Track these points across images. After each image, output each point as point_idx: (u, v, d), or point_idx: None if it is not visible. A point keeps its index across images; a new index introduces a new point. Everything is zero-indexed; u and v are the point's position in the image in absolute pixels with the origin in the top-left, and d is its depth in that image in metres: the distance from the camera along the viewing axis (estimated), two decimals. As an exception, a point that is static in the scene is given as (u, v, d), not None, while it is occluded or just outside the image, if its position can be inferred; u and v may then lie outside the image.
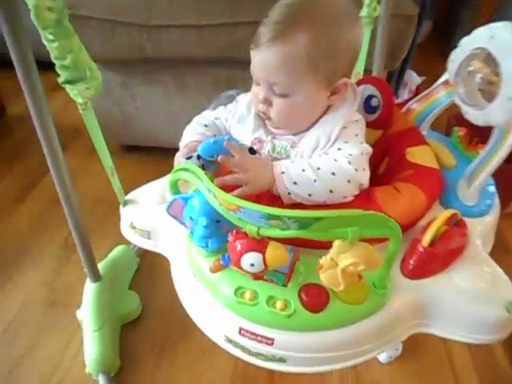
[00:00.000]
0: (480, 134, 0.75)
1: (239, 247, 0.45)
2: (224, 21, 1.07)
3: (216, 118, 0.71)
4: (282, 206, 0.58)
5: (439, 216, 0.56)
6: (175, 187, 0.53)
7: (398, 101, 1.47)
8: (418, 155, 0.67)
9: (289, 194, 0.57)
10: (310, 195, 0.56)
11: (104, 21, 1.13)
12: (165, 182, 0.72)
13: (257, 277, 0.48)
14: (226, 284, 0.52)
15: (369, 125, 0.71)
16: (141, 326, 0.96)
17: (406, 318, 0.55)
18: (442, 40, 2.27)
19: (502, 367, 0.87)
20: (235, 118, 0.69)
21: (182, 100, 1.30)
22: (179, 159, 0.60)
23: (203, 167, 0.57)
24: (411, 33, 1.09)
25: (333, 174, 0.56)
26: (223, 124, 0.71)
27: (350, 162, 0.57)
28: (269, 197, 0.59)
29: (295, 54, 0.56)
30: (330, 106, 0.63)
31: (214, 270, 0.53)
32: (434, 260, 0.54)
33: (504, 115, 0.60)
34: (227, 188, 0.57)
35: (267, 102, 0.61)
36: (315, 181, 0.55)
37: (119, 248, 1.02)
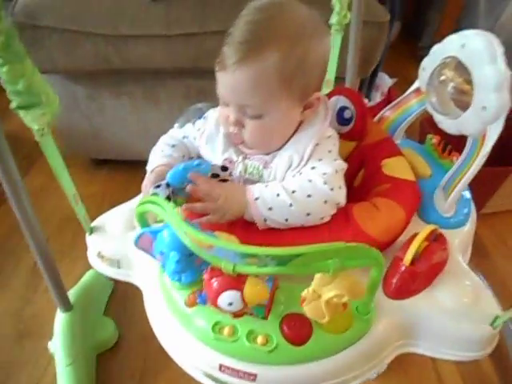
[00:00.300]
0: (453, 142, 0.74)
1: (215, 285, 0.42)
2: (193, 31, 1.03)
3: (184, 137, 0.68)
4: (257, 232, 0.56)
5: (420, 233, 0.55)
6: (143, 219, 0.50)
7: (370, 104, 1.47)
8: (393, 167, 0.66)
9: (264, 220, 0.55)
10: (286, 220, 0.55)
11: (67, 31, 1.07)
12: (133, 205, 0.68)
13: (236, 315, 0.46)
14: (203, 319, 0.50)
15: (342, 136, 0.70)
16: (118, 354, 0.91)
17: (392, 339, 0.53)
18: (411, 41, 2.30)
19: (488, 376, 0.87)
20: (203, 137, 0.66)
21: (153, 112, 1.26)
22: (147, 187, 0.56)
23: (173, 194, 0.54)
24: (383, 39, 1.08)
25: (309, 196, 0.54)
26: (192, 143, 0.68)
27: (325, 182, 0.55)
28: (242, 223, 0.57)
29: (266, 74, 0.53)
30: (302, 121, 0.61)
31: (190, 305, 0.50)
32: (416, 279, 0.53)
33: (477, 125, 0.60)
34: (197, 215, 0.55)
35: (239, 124, 0.58)
36: (291, 205, 0.54)
37: (91, 272, 0.97)
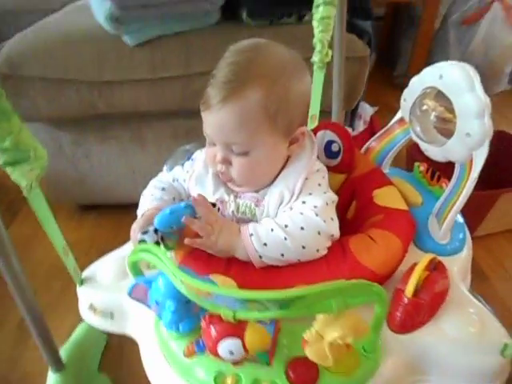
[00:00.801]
0: (440, 168, 0.75)
1: (214, 333, 0.41)
2: (179, 73, 1.05)
3: (174, 180, 0.68)
4: (253, 272, 0.55)
5: (419, 263, 0.54)
6: (136, 269, 0.48)
7: (354, 133, 1.49)
8: (385, 197, 0.67)
9: (260, 257, 0.54)
10: (282, 255, 0.54)
11: (51, 80, 1.08)
12: (124, 252, 0.67)
13: (237, 362, 0.43)
14: (204, 369, 0.47)
15: (332, 169, 0.70)
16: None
17: (402, 377, 0.51)
18: (386, 70, 2.38)
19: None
20: (192, 179, 0.65)
21: (141, 154, 1.26)
22: (135, 232, 0.55)
23: (163, 238, 0.53)
24: (365, 73, 1.11)
25: (302, 228, 0.55)
26: (181, 185, 0.67)
27: (316, 214, 0.55)
28: (237, 264, 0.56)
29: (251, 111, 0.54)
30: (289, 156, 0.62)
31: (189, 355, 0.48)
32: (420, 311, 0.52)
33: (463, 151, 0.61)
34: (191, 259, 0.54)
35: (226, 161, 0.58)
36: (285, 238, 0.54)
37: (83, 325, 0.92)
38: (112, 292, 0.60)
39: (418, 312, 0.52)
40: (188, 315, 0.46)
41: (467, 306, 0.56)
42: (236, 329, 0.40)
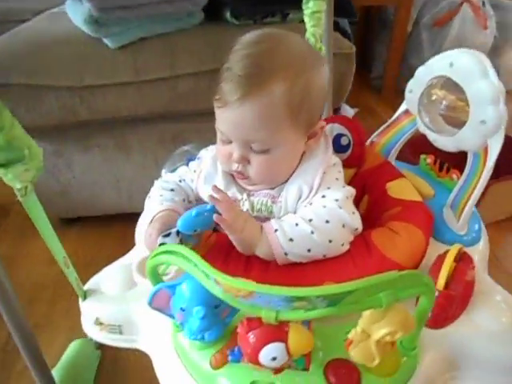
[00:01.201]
0: (447, 159, 0.75)
1: (255, 340, 0.37)
2: (164, 75, 1.01)
3: (180, 180, 0.64)
4: (275, 273, 0.52)
5: (448, 254, 0.52)
6: (155, 275, 0.44)
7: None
8: (399, 190, 0.65)
9: (285, 254, 0.51)
10: (309, 250, 0.51)
11: (29, 87, 1.02)
12: (129, 261, 0.62)
13: (278, 370, 0.40)
14: (236, 380, 0.43)
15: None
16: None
17: (439, 374, 0.49)
18: (363, 72, 2.42)
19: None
20: (201, 178, 0.62)
21: (126, 162, 1.20)
22: (152, 237, 0.51)
23: (182, 241, 0.49)
24: (351, 70, 1.12)
25: (327, 221, 0.52)
26: (189, 186, 0.64)
27: (340, 207, 0.53)
28: (258, 265, 0.53)
29: (274, 107, 0.51)
30: (304, 151, 0.59)
31: (217, 365, 0.44)
32: (453, 303, 0.50)
33: (477, 139, 0.60)
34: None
35: (244, 160, 0.55)
36: (312, 232, 0.51)
37: (75, 343, 0.86)
38: (120, 304, 0.55)
39: (450, 304, 0.50)
40: (216, 323, 0.42)
41: (495, 296, 0.54)
42: (279, 332, 0.37)
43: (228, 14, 1.07)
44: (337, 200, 0.54)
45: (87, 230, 1.37)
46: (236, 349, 0.40)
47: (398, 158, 0.79)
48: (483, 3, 2.12)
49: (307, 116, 0.54)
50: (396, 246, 0.54)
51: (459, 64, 0.60)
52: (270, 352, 0.37)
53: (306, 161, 0.59)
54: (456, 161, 0.73)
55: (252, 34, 0.55)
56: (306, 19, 0.78)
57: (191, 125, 1.13)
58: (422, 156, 0.77)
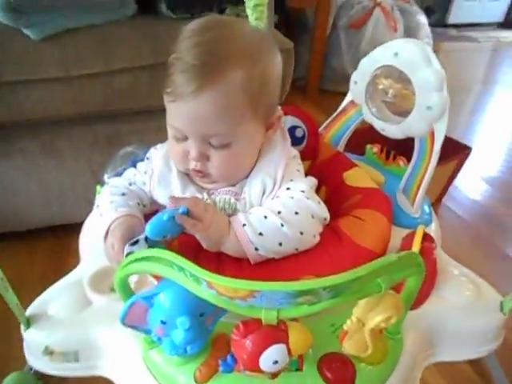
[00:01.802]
0: (392, 146, 0.78)
1: (254, 344, 0.34)
2: (98, 70, 0.92)
3: (130, 184, 0.58)
4: (249, 270, 0.49)
5: (416, 236, 0.53)
6: (126, 288, 0.38)
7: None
8: (356, 178, 0.66)
9: (256, 249, 0.48)
10: (280, 244, 0.49)
11: None
12: (77, 277, 0.54)
13: (274, 375, 0.37)
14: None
15: (297, 156, 0.67)
16: None
17: (419, 353, 0.50)
18: (285, 74, 2.48)
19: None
20: (154, 179, 0.57)
21: (55, 168, 1.07)
22: (116, 247, 0.45)
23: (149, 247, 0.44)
24: (291, 65, 1.12)
25: (296, 213, 0.50)
26: (141, 188, 0.58)
27: (307, 198, 0.52)
28: (230, 262, 0.49)
29: (233, 96, 0.48)
30: (263, 143, 0.57)
31: (204, 380, 0.39)
32: (425, 282, 0.51)
33: (424, 125, 0.62)
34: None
35: (203, 157, 0.51)
36: (282, 225, 0.48)
37: (13, 376, 0.74)
38: (74, 326, 0.48)
39: (423, 284, 0.51)
40: (201, 332, 0.38)
41: (453, 270, 0.57)
42: (278, 333, 0.34)
43: (164, 7, 1.02)
44: (303, 191, 0.53)
45: (14, 247, 1.20)
46: (228, 357, 0.37)
47: (344, 150, 0.80)
48: (392, 8, 2.30)
49: (266, 105, 0.52)
50: (365, 232, 0.54)
51: (404, 53, 0.62)
52: (272, 355, 0.34)
53: (266, 153, 0.56)
54: (398, 148, 0.77)
55: (200, 21, 0.51)
56: (249, 12, 0.76)
57: (129, 125, 1.05)
58: (368, 146, 0.79)
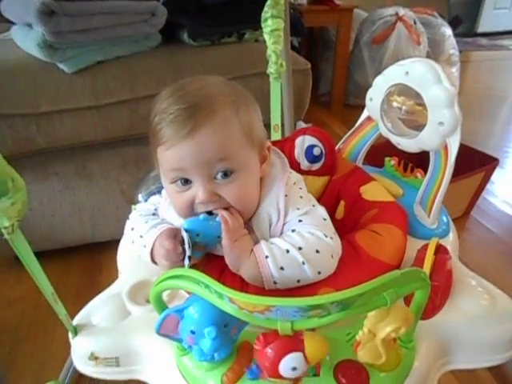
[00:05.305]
0: (410, 159, 0.80)
1: (273, 353, 0.38)
2: (125, 97, 1.00)
3: (156, 209, 0.63)
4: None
5: (428, 247, 0.56)
6: (160, 302, 0.43)
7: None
8: (373, 193, 0.69)
9: (274, 282, 0.50)
10: (298, 281, 0.50)
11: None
12: (116, 290, 0.60)
13: (296, 380, 0.41)
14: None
15: (315, 173, 0.72)
16: None
17: (434, 361, 0.52)
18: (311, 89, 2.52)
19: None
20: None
21: (87, 189, 1.16)
22: (172, 249, 0.51)
23: (190, 245, 0.50)
24: (309, 85, 1.16)
25: (317, 251, 0.51)
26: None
27: (325, 235, 0.52)
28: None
29: (229, 124, 0.51)
30: (262, 177, 0.58)
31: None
32: (438, 293, 0.53)
33: (437, 139, 0.65)
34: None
35: (214, 195, 0.52)
36: (303, 263, 0.49)
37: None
38: (115, 335, 0.54)
39: (436, 295, 0.53)
40: (226, 341, 0.43)
41: (471, 281, 0.59)
42: (295, 342, 0.38)
43: (185, 36, 1.08)
44: (317, 226, 0.53)
45: (49, 264, 1.28)
46: (254, 366, 0.41)
47: (363, 163, 0.83)
48: (414, 21, 2.30)
49: (257, 136, 0.55)
50: (381, 246, 0.57)
51: (414, 72, 0.65)
52: (290, 363, 0.38)
53: (266, 186, 0.58)
54: (417, 161, 0.79)
55: (174, 84, 0.54)
56: (266, 37, 0.81)
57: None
58: (387, 158, 0.82)
